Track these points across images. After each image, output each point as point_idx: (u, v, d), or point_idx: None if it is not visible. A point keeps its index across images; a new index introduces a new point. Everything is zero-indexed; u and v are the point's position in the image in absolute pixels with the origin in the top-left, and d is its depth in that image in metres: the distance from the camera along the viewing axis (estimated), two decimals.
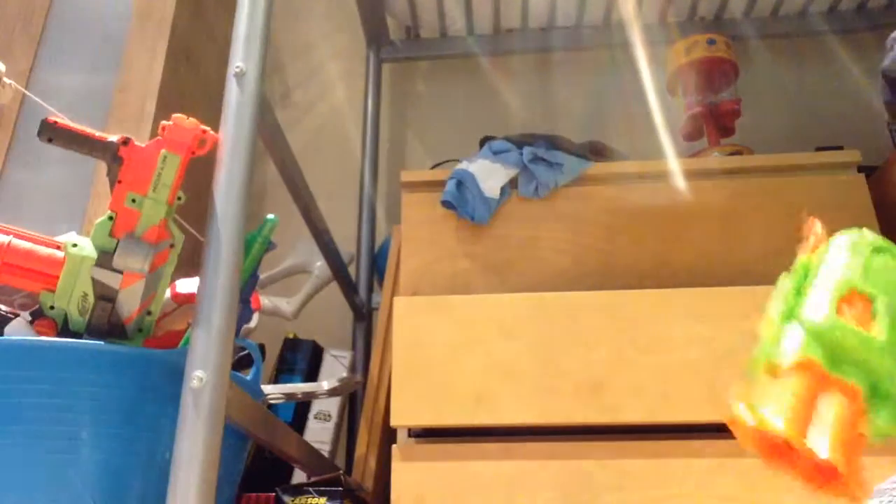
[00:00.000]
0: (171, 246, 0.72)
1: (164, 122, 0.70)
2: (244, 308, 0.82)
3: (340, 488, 0.79)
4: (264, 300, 1.24)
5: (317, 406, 1.23)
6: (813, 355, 0.36)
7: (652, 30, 1.54)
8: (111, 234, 0.69)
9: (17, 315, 0.70)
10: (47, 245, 0.70)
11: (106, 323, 0.69)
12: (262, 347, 0.93)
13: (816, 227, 0.44)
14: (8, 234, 0.69)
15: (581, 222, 0.96)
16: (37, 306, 0.69)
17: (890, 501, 0.47)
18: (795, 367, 0.36)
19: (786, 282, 0.42)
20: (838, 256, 0.41)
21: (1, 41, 1.35)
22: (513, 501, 0.80)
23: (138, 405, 0.67)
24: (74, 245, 0.68)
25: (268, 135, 0.90)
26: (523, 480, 0.80)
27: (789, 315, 0.39)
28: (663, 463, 0.80)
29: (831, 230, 0.92)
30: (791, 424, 0.35)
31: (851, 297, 0.38)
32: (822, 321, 0.37)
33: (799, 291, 0.40)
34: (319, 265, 1.28)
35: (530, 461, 0.81)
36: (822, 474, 0.35)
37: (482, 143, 1.13)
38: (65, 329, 0.69)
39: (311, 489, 0.79)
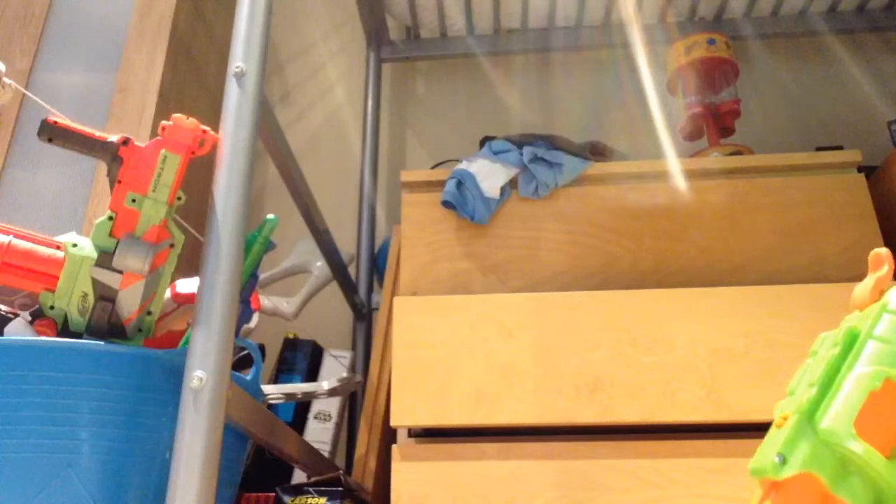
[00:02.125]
0: (171, 246, 0.72)
1: (164, 122, 0.70)
2: (244, 308, 0.82)
3: (340, 488, 0.79)
4: (264, 300, 1.24)
5: (317, 406, 1.23)
6: (818, 472, 0.35)
7: (652, 30, 1.54)
8: (111, 234, 0.69)
9: (17, 315, 0.70)
10: (47, 245, 0.70)
11: (106, 323, 0.69)
12: (262, 347, 0.93)
13: (883, 267, 0.40)
14: (8, 234, 0.69)
15: (581, 222, 0.96)
16: (37, 306, 0.69)
17: None
18: (796, 479, 0.35)
19: (823, 352, 0.39)
20: (887, 329, 0.37)
21: (1, 41, 1.35)
22: (513, 501, 0.80)
23: (138, 405, 0.67)
24: (74, 245, 0.68)
25: (268, 135, 0.90)
26: (523, 480, 0.80)
27: (811, 411, 0.36)
28: (663, 463, 0.80)
29: (831, 230, 0.92)
30: None
31: (886, 388, 0.35)
32: (838, 435, 0.35)
33: (833, 372, 0.37)
34: (319, 265, 1.28)
35: (530, 461, 0.81)
36: None
37: (482, 143, 1.13)
38: (65, 329, 0.69)
39: (311, 489, 0.79)
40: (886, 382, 0.35)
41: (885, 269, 0.40)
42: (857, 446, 0.34)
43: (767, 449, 0.37)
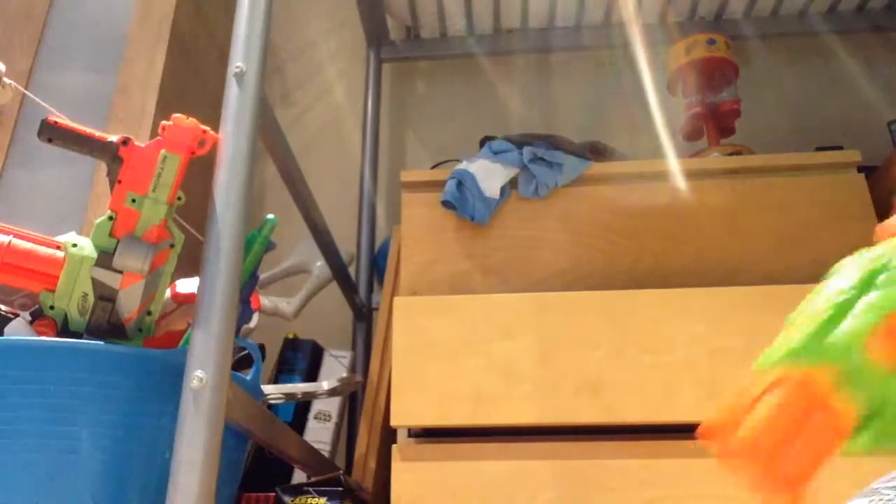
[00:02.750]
0: (171, 246, 0.72)
1: (164, 122, 0.70)
2: (244, 308, 0.82)
3: (340, 488, 0.79)
4: (264, 300, 1.24)
5: (317, 406, 1.23)
6: (831, 365, 0.35)
7: (652, 30, 1.54)
8: (111, 234, 0.69)
9: (17, 315, 0.70)
10: (47, 245, 0.70)
11: (106, 323, 0.69)
12: (262, 347, 0.93)
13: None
14: (8, 234, 0.69)
15: (581, 222, 0.96)
16: (37, 306, 0.69)
17: (880, 500, 0.47)
18: (799, 378, 0.35)
19: (858, 263, 0.38)
20: None
21: (1, 41, 1.35)
22: (513, 501, 0.80)
23: (138, 405, 0.67)
24: (74, 245, 0.68)
25: (268, 135, 0.90)
26: (523, 480, 0.80)
27: (836, 317, 0.36)
28: (663, 463, 0.80)
29: (831, 230, 0.92)
30: (760, 433, 0.35)
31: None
32: (847, 344, 0.35)
33: (864, 285, 0.37)
34: (319, 265, 1.28)
35: (530, 461, 0.81)
36: (774, 484, 0.35)
37: (482, 143, 1.13)
38: (65, 329, 0.69)
39: (311, 489, 0.79)
40: None
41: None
42: (868, 353, 0.34)
43: (776, 348, 0.37)
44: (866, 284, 0.36)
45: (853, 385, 0.34)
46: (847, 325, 0.35)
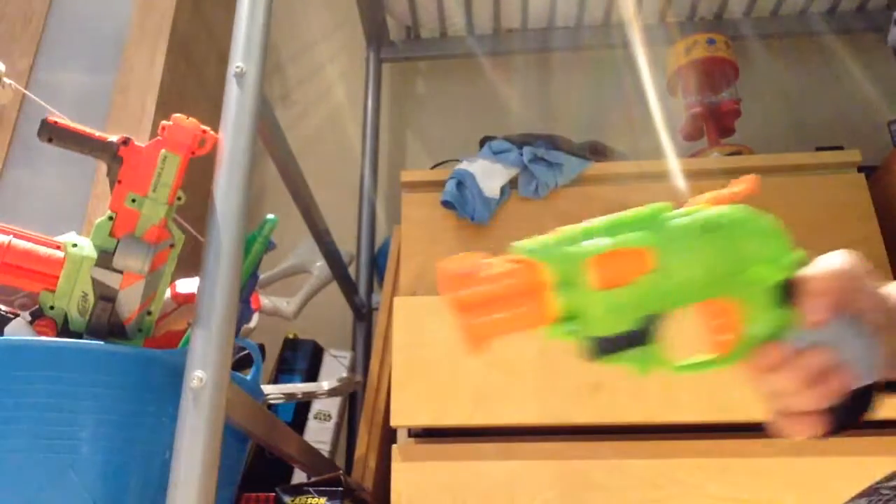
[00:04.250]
0: (171, 246, 0.72)
1: (164, 122, 0.70)
2: (244, 308, 0.82)
3: (340, 488, 0.79)
4: (264, 300, 1.24)
5: (317, 406, 1.23)
6: (545, 270, 0.42)
7: (652, 30, 1.53)
8: (111, 234, 0.69)
9: (17, 315, 0.70)
10: (47, 245, 0.70)
11: (106, 323, 0.69)
12: (262, 347, 0.93)
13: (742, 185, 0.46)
14: (8, 234, 0.69)
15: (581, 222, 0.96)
16: (37, 306, 0.69)
17: (880, 500, 0.47)
18: (529, 265, 0.42)
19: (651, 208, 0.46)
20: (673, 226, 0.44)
21: (1, 41, 1.35)
22: (512, 501, 0.80)
23: (138, 405, 0.67)
24: (74, 245, 0.68)
25: (268, 135, 0.90)
26: (523, 480, 0.80)
27: (579, 236, 0.44)
28: (663, 463, 0.80)
29: (831, 230, 0.92)
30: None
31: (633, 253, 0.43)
32: (572, 256, 0.42)
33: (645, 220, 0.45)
34: (319, 265, 1.28)
35: (530, 461, 0.81)
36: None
37: (482, 143, 1.13)
38: (65, 329, 0.69)
39: (311, 489, 0.79)
40: (639, 250, 0.43)
41: (740, 187, 0.46)
42: (583, 270, 0.41)
43: (531, 241, 0.44)
44: (621, 226, 0.44)
45: (564, 289, 0.42)
46: (582, 244, 0.42)
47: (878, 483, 0.49)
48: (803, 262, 0.45)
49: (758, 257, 0.44)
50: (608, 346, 0.43)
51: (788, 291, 0.44)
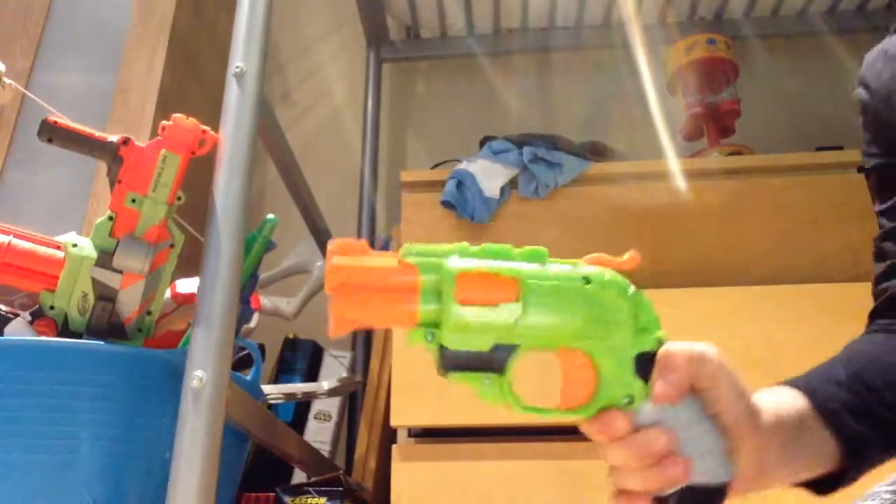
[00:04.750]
0: (171, 246, 0.72)
1: (164, 122, 0.70)
2: (244, 308, 0.82)
3: (340, 488, 0.79)
4: (264, 300, 1.24)
5: (317, 406, 1.23)
6: (415, 262, 0.43)
7: (652, 30, 1.53)
8: (111, 234, 0.69)
9: (17, 315, 0.70)
10: (47, 245, 0.70)
11: (106, 323, 0.69)
12: (262, 347, 0.93)
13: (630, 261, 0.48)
14: (8, 234, 0.69)
15: (581, 222, 0.96)
16: (37, 306, 0.69)
17: (881, 503, 0.47)
18: (407, 267, 0.43)
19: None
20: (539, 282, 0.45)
21: (1, 41, 1.35)
22: (512, 501, 0.80)
23: (138, 405, 0.67)
24: (74, 245, 0.68)
25: (268, 135, 0.90)
26: (522, 480, 0.80)
27: (454, 251, 0.44)
28: None
29: (831, 230, 0.92)
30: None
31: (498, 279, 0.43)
32: (437, 264, 0.43)
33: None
34: (319, 265, 1.28)
35: (529, 461, 0.81)
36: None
37: (482, 143, 1.13)
38: (65, 329, 0.69)
39: (311, 489, 0.79)
40: (509, 280, 0.43)
41: (626, 259, 0.47)
42: (449, 283, 0.42)
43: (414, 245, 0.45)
44: (505, 255, 0.44)
45: (431, 296, 0.42)
46: (461, 260, 0.43)
47: (878, 487, 0.49)
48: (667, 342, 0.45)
49: (626, 325, 0.44)
50: (457, 362, 0.44)
51: (647, 365, 0.44)
